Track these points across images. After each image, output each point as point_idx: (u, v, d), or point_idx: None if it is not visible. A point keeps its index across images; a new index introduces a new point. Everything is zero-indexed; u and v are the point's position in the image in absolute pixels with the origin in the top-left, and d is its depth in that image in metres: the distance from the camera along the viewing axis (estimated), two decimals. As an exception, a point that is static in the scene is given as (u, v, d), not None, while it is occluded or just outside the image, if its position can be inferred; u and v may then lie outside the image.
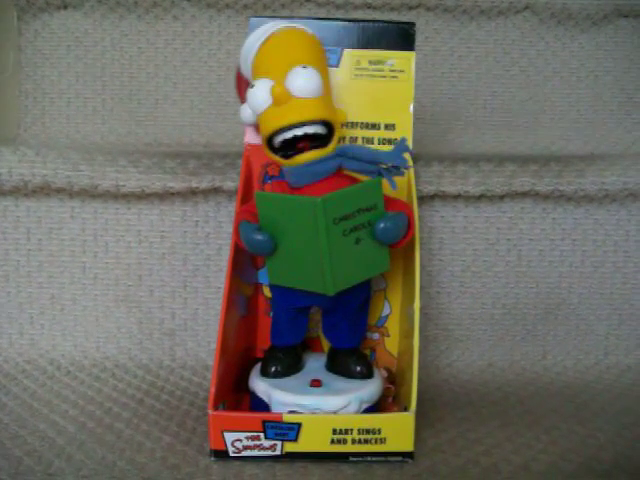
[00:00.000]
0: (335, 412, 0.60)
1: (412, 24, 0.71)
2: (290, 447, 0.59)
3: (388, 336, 0.75)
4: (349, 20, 0.72)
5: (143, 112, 1.04)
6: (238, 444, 0.59)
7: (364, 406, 0.62)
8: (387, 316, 0.75)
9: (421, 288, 0.64)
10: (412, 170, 0.71)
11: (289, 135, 0.60)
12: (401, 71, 0.71)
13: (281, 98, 0.59)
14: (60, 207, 0.79)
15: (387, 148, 0.70)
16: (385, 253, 0.61)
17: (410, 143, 0.71)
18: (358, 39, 0.72)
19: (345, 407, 0.61)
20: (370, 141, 0.72)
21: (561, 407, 0.73)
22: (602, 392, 0.77)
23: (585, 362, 0.83)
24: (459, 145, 1.05)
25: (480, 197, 0.79)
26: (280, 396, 0.61)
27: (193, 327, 0.81)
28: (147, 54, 1.04)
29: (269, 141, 0.62)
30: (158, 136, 1.04)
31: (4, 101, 1.01)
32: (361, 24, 0.72)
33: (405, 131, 0.71)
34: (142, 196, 0.78)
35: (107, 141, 1.03)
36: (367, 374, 0.65)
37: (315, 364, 0.69)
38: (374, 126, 0.72)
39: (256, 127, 0.66)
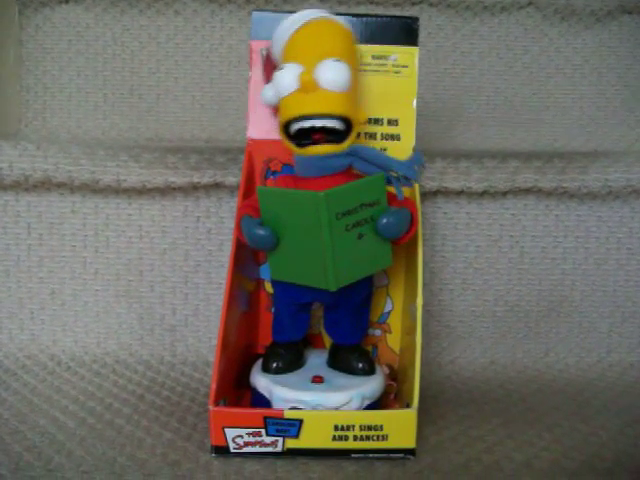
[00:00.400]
0: (337, 408, 0.60)
1: (416, 19, 0.71)
2: (291, 443, 0.58)
3: (390, 332, 0.74)
4: (352, 15, 0.71)
5: (144, 107, 1.04)
6: (239, 440, 0.59)
7: (366, 403, 0.62)
8: (389, 312, 0.74)
9: (423, 285, 0.64)
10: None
11: (307, 124, 0.59)
12: (404, 66, 0.71)
13: (308, 86, 0.58)
14: (61, 202, 0.79)
15: (392, 146, 0.70)
16: (388, 249, 0.61)
17: (413, 139, 0.71)
18: (361, 34, 0.71)
19: (347, 403, 0.60)
20: (373, 136, 0.72)
21: (563, 405, 0.73)
22: (604, 390, 0.77)
23: (587, 360, 0.82)
24: (462, 141, 1.05)
25: (483, 193, 0.79)
26: (281, 392, 0.61)
27: (194, 323, 0.81)
28: (149, 49, 1.04)
29: (286, 127, 0.61)
30: (159, 131, 1.03)
31: (5, 96, 1.00)
32: (364, 19, 0.71)
33: (408, 126, 0.71)
34: (143, 191, 0.78)
35: (108, 136, 1.03)
36: (369, 370, 0.65)
37: (316, 360, 0.68)
38: (377, 121, 0.72)
39: (275, 110, 0.65)
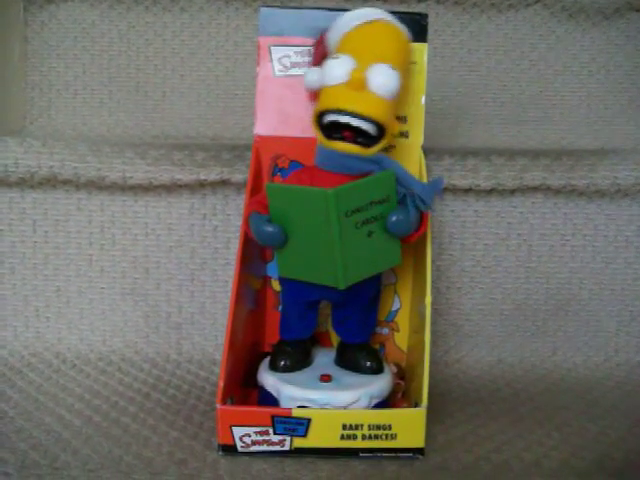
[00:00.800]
0: (345, 407, 0.60)
1: (425, 15, 0.70)
2: (299, 442, 0.58)
3: (398, 331, 0.74)
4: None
5: (150, 104, 1.04)
6: (246, 439, 0.58)
7: (374, 401, 0.62)
8: (397, 311, 0.74)
9: (431, 284, 0.64)
10: (423, 163, 0.70)
11: (344, 120, 0.58)
12: (413, 62, 0.70)
13: (357, 83, 0.58)
14: (66, 199, 0.79)
15: (400, 143, 0.70)
16: (397, 246, 0.60)
17: (422, 136, 0.71)
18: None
19: (355, 402, 0.60)
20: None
21: (572, 404, 0.72)
22: (613, 389, 0.77)
23: (595, 359, 0.82)
24: (468, 140, 1.04)
25: (491, 191, 0.78)
26: (289, 391, 0.61)
27: (200, 321, 0.80)
28: (154, 46, 1.03)
29: (320, 115, 0.60)
30: (165, 129, 1.03)
31: (10, 93, 1.00)
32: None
33: (417, 124, 0.71)
34: (149, 188, 0.78)
35: (114, 134, 1.02)
36: (377, 369, 0.65)
37: (324, 359, 0.68)
38: (385, 118, 0.71)
39: (312, 94, 0.65)
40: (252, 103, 0.71)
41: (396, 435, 0.58)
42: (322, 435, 0.58)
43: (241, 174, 0.76)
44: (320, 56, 0.63)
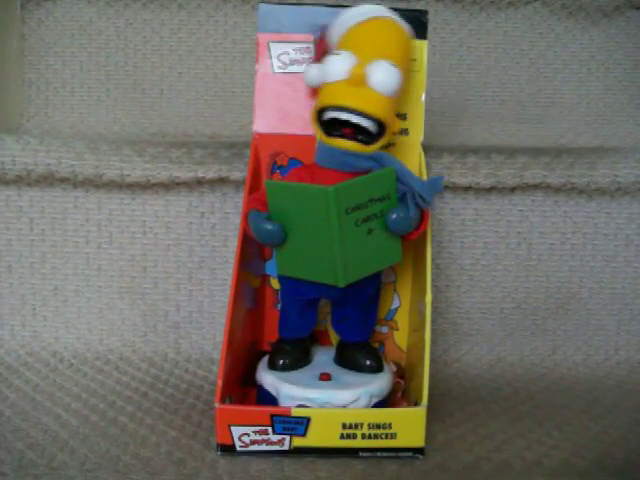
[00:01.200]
0: (344, 406, 0.59)
1: (425, 12, 0.70)
2: (298, 442, 0.58)
3: (397, 330, 0.74)
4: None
5: (148, 102, 1.03)
6: (245, 438, 0.58)
7: (374, 400, 0.61)
8: (396, 309, 0.74)
9: (431, 283, 0.63)
10: (423, 160, 0.70)
11: (344, 116, 0.58)
12: (413, 60, 0.70)
13: (357, 79, 0.58)
14: (64, 197, 0.78)
15: (400, 140, 0.69)
16: (397, 244, 0.60)
17: (422, 133, 0.70)
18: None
19: (355, 401, 0.60)
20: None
21: (572, 403, 0.72)
22: (613, 388, 0.76)
23: (595, 357, 0.81)
24: (467, 138, 1.04)
25: (491, 189, 0.78)
26: (289, 389, 0.60)
27: (198, 320, 0.80)
28: (152, 43, 1.03)
29: (320, 112, 0.60)
30: (163, 127, 1.02)
31: (7, 90, 0.99)
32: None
33: (417, 121, 0.70)
34: (147, 186, 0.77)
35: (111, 131, 1.02)
36: (377, 368, 0.64)
37: (324, 357, 0.68)
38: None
39: (312, 91, 0.64)
40: (251, 101, 0.71)
41: (396, 434, 0.58)
42: (322, 434, 0.58)
43: (239, 172, 0.75)
44: (322, 52, 0.63)
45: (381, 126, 0.59)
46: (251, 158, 0.69)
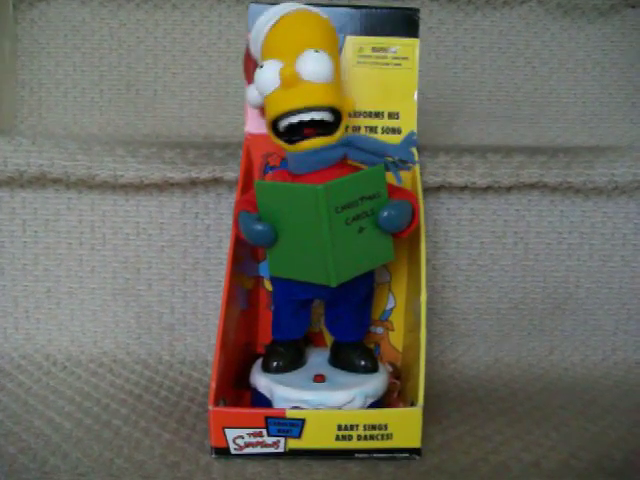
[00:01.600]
0: (339, 407, 0.59)
1: (416, 10, 0.70)
2: (293, 444, 0.57)
3: (392, 330, 0.73)
4: (352, 6, 0.70)
5: (142, 103, 1.03)
6: (240, 441, 0.57)
7: (369, 401, 0.61)
8: (391, 309, 0.73)
9: (426, 282, 0.63)
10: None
11: (295, 120, 0.58)
12: (405, 58, 0.70)
13: (290, 80, 0.57)
14: (56, 198, 0.77)
15: (393, 139, 0.69)
16: (389, 242, 0.59)
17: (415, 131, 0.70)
18: (361, 25, 0.70)
19: (350, 402, 0.59)
20: (374, 130, 0.70)
21: (570, 404, 0.72)
22: (611, 388, 0.76)
23: (593, 358, 0.81)
24: (463, 137, 1.04)
25: (487, 189, 0.77)
26: (283, 392, 0.60)
27: (192, 321, 0.79)
28: (146, 44, 1.02)
29: (274, 125, 0.60)
30: (157, 127, 1.02)
31: (0, 91, 0.99)
32: (364, 10, 0.70)
33: (409, 120, 0.70)
34: (141, 187, 0.77)
35: (105, 132, 1.01)
36: (372, 368, 0.64)
37: (318, 359, 0.67)
38: (377, 114, 0.71)
39: (261, 110, 0.64)
40: (244, 101, 0.70)
41: (392, 435, 0.57)
42: (317, 436, 0.57)
43: (233, 172, 0.75)
44: (252, 72, 0.62)
45: (335, 112, 0.59)
46: (243, 159, 0.69)
